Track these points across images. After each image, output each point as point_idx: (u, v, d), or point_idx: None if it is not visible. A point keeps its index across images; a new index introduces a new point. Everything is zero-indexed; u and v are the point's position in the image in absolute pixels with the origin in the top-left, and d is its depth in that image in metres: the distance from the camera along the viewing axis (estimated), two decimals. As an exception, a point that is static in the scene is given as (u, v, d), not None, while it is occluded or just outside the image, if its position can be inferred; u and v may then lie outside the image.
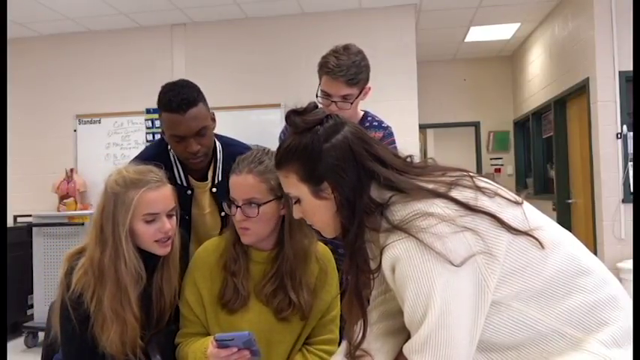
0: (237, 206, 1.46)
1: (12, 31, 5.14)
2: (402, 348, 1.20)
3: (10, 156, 5.07)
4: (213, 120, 1.86)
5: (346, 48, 1.99)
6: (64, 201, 4.92)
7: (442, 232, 0.95)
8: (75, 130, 5.33)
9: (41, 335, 4.10)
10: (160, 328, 1.54)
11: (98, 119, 5.30)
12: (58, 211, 4.87)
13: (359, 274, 1.10)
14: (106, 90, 5.29)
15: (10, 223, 4.91)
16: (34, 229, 4.29)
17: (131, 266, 1.43)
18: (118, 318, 1.41)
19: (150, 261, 1.50)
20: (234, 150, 1.95)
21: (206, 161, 1.87)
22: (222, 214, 1.89)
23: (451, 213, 0.98)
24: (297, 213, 1.18)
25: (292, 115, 1.12)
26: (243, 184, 1.45)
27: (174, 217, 1.52)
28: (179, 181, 1.86)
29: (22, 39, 5.40)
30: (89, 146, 5.27)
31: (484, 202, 1.01)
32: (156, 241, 1.47)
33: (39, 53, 5.47)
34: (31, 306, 4.37)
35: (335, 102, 1.95)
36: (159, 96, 1.76)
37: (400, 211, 1.02)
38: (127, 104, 5.20)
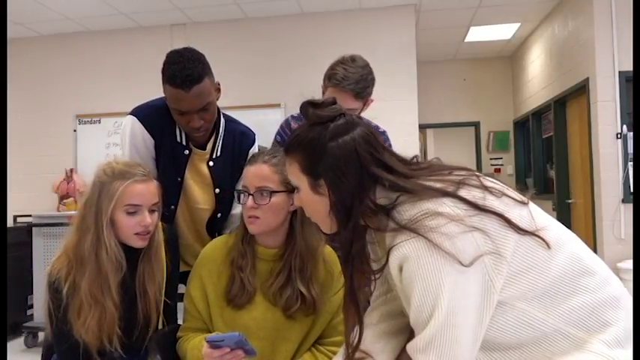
0: (249, 194, 1.49)
1: (12, 31, 5.14)
2: (404, 348, 1.20)
3: (10, 156, 5.07)
4: (218, 90, 1.80)
5: (354, 60, 1.97)
6: (64, 201, 4.92)
7: (451, 232, 0.95)
8: (75, 130, 5.33)
9: (41, 335, 4.10)
10: (151, 328, 1.55)
11: (98, 119, 5.29)
12: (58, 211, 4.86)
13: (354, 275, 1.09)
14: (106, 90, 5.28)
15: (10, 223, 4.90)
16: (34, 229, 4.29)
17: (112, 254, 1.45)
18: (97, 303, 1.43)
19: (130, 255, 1.51)
20: (235, 127, 1.95)
21: (207, 135, 1.85)
22: (217, 191, 1.87)
23: (460, 213, 0.97)
24: (296, 201, 1.19)
25: (307, 106, 1.12)
26: (257, 172, 1.49)
27: (157, 213, 1.54)
28: (178, 139, 1.84)
29: (22, 39, 5.39)
30: (89, 146, 5.27)
31: (492, 202, 1.01)
32: (135, 233, 1.49)
33: (39, 53, 5.46)
34: (31, 306, 4.37)
35: None
36: (163, 65, 1.70)
37: (409, 210, 1.01)
38: (127, 104, 5.13)
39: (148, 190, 1.50)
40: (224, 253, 1.57)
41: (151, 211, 1.51)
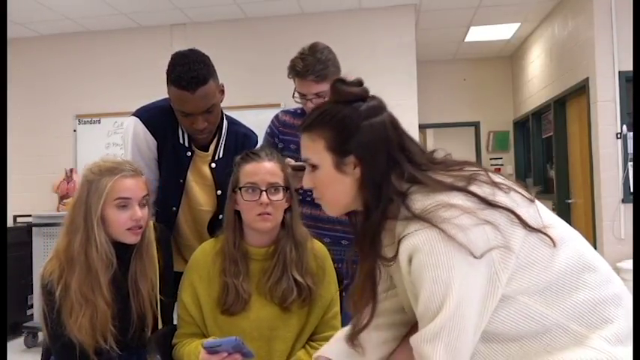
0: (262, 190, 1.50)
1: (12, 31, 5.14)
2: (400, 343, 1.21)
3: (10, 156, 5.07)
4: (222, 92, 1.82)
5: (311, 47, 2.09)
6: (64, 201, 4.91)
7: (465, 224, 0.95)
8: (75, 130, 5.33)
9: (41, 335, 4.10)
10: (147, 325, 1.55)
11: (98, 119, 5.29)
12: (58, 211, 4.86)
13: (377, 258, 1.09)
14: (105, 90, 5.28)
15: (10, 223, 4.91)
16: (34, 229, 4.30)
17: (102, 251, 1.45)
18: (88, 302, 1.43)
19: (121, 253, 1.51)
20: (237, 129, 1.97)
21: (210, 136, 1.86)
22: (219, 192, 1.87)
23: (472, 205, 0.98)
24: (307, 181, 1.16)
25: (338, 83, 1.13)
26: (268, 169, 1.53)
27: (147, 208, 1.54)
28: (181, 141, 1.85)
29: (22, 39, 5.39)
30: (89, 146, 5.26)
31: (501, 198, 1.02)
32: (127, 229, 1.48)
33: (39, 53, 5.46)
34: (31, 306, 4.38)
35: (310, 100, 2.04)
36: (168, 67, 1.71)
37: (421, 200, 1.01)
38: (127, 104, 5.15)
39: (136, 184, 1.50)
40: (213, 256, 1.57)
41: (142, 205, 1.51)
